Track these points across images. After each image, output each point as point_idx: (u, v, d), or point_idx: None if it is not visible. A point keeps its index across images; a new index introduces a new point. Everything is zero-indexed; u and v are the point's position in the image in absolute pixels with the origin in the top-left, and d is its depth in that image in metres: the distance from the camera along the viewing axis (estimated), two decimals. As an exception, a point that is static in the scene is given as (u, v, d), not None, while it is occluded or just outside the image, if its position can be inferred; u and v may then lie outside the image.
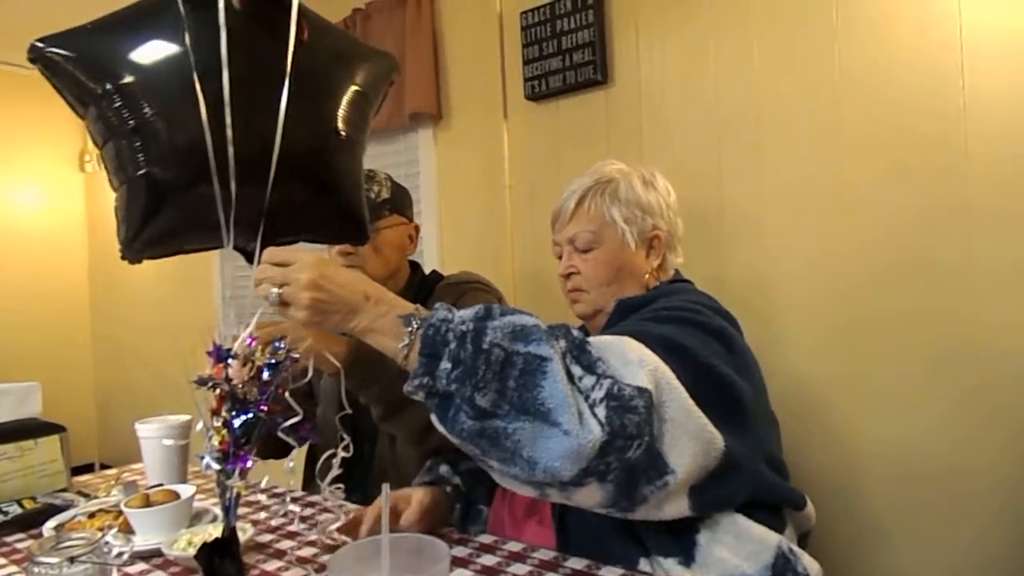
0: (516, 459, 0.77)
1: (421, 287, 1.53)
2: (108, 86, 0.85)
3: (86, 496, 1.36)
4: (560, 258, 1.28)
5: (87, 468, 3.87)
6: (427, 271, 1.65)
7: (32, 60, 0.89)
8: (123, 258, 0.89)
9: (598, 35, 1.93)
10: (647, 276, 1.23)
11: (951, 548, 1.45)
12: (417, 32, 2.33)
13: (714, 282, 1.28)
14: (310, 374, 0.85)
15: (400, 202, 1.53)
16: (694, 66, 1.79)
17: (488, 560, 1.01)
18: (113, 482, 1.47)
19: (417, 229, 1.59)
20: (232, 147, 0.79)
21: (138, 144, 0.84)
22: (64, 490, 1.37)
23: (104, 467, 4.18)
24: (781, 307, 1.65)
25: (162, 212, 0.84)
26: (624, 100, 1.92)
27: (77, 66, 0.87)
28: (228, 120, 0.78)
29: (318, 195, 0.93)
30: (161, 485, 1.25)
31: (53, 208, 4.29)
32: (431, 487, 1.18)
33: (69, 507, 1.27)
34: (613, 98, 1.95)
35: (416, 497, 1.13)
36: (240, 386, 0.76)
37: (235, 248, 0.86)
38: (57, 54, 0.88)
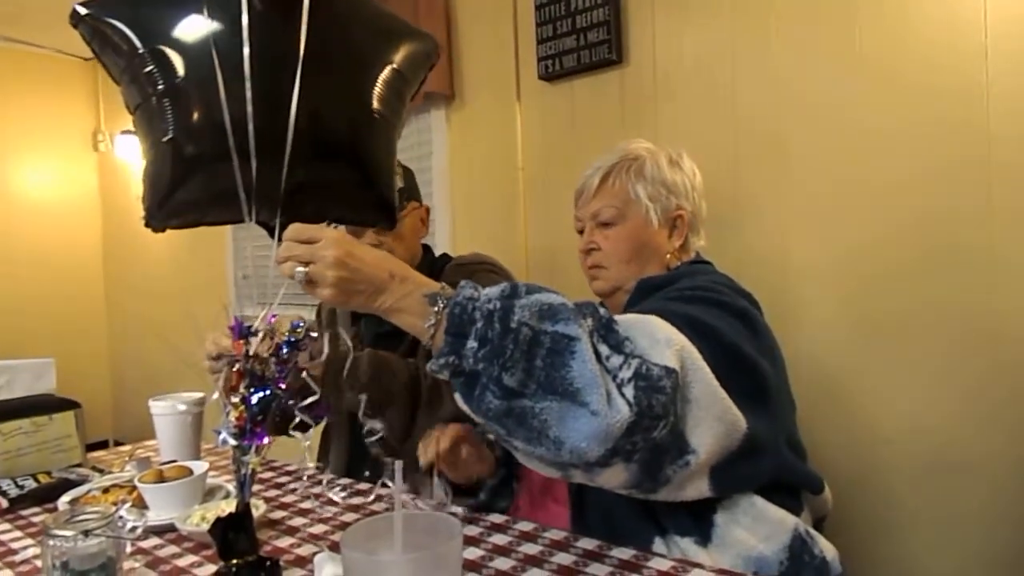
0: (542, 439, 0.76)
1: (431, 269, 1.53)
2: (142, 49, 0.85)
3: (100, 471, 1.37)
4: (582, 233, 1.27)
5: (101, 444, 3.91)
6: (439, 253, 1.65)
7: (73, 24, 0.90)
8: (147, 225, 0.88)
9: (613, 14, 1.91)
10: (668, 256, 1.22)
11: (964, 536, 1.44)
12: (430, 11, 2.31)
13: (729, 265, 1.27)
14: (325, 352, 0.84)
15: (414, 188, 1.55)
16: (711, 47, 1.76)
17: (499, 539, 1.01)
18: (127, 458, 1.49)
19: (427, 211, 1.59)
20: (252, 121, 0.78)
21: (168, 110, 0.83)
22: (79, 465, 1.39)
23: (118, 444, 4.22)
24: (797, 291, 1.64)
25: (188, 182, 0.84)
26: (639, 81, 1.90)
27: (114, 30, 0.88)
28: (248, 95, 0.77)
29: (349, 175, 0.91)
30: (175, 461, 1.26)
31: (68, 187, 4.31)
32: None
33: (83, 482, 1.28)
34: (628, 78, 1.93)
35: (451, 427, 1.14)
36: (259, 363, 0.76)
37: (258, 223, 0.86)
38: (96, 18, 0.89)
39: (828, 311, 1.61)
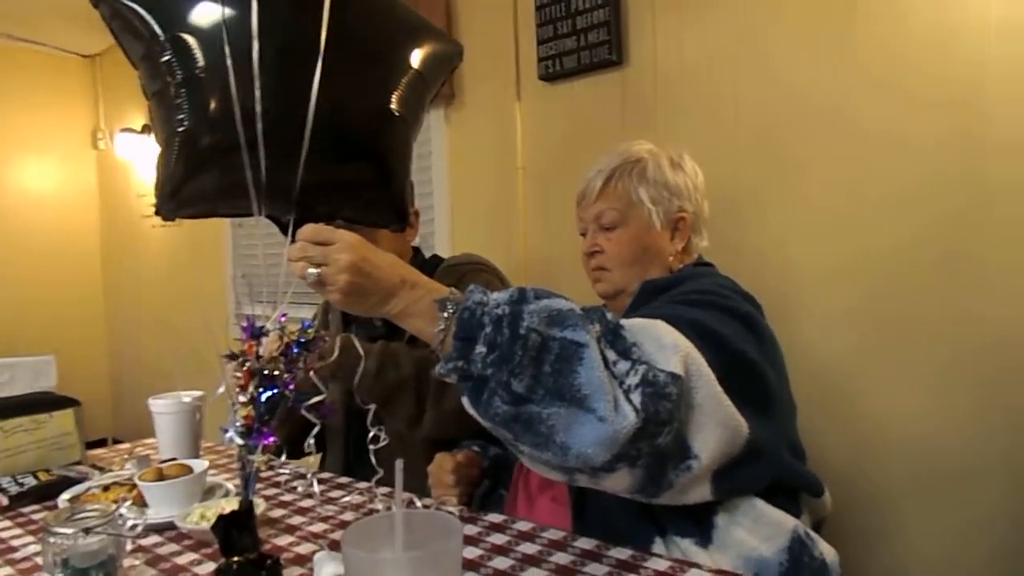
0: (549, 444, 0.77)
1: (421, 269, 1.53)
2: (162, 36, 0.84)
3: (100, 469, 1.37)
4: (584, 235, 1.28)
5: (100, 443, 3.90)
6: (436, 253, 1.65)
7: (94, 3, 0.90)
8: (157, 214, 0.88)
9: (614, 15, 1.91)
10: (671, 258, 1.22)
11: (963, 542, 1.45)
12: (431, 10, 2.31)
13: (729, 266, 1.27)
14: (335, 354, 0.85)
15: None
16: (712, 49, 1.76)
17: (497, 539, 1.01)
18: (126, 456, 1.49)
19: (417, 214, 1.58)
20: (260, 114, 0.78)
21: (184, 100, 0.82)
22: (78, 463, 1.39)
23: (117, 442, 4.21)
24: (797, 293, 1.64)
25: (201, 173, 0.83)
26: (640, 82, 1.90)
27: (134, 13, 0.87)
28: (257, 89, 0.77)
29: (365, 175, 0.90)
30: (174, 459, 1.26)
31: (67, 184, 4.32)
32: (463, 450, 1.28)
33: (83, 480, 1.28)
34: (628, 79, 1.93)
35: (451, 456, 1.24)
36: (268, 362, 0.76)
37: (269, 217, 0.85)
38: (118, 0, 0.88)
39: (828, 314, 1.61)
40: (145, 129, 3.83)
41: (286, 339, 0.80)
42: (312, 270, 0.79)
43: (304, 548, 1.01)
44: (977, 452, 1.43)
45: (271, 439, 0.78)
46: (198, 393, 1.42)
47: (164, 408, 1.38)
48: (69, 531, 0.82)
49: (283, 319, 0.80)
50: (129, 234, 4.16)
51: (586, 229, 1.28)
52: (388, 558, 0.62)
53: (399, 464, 0.62)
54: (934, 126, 1.45)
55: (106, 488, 1.19)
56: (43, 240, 4.19)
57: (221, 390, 0.79)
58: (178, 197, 0.86)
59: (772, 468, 0.99)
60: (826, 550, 1.00)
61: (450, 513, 1.09)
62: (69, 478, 1.29)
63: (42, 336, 3.95)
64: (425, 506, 1.16)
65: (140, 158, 3.94)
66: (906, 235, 1.50)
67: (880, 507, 1.54)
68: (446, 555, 0.62)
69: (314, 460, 1.56)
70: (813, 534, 1.00)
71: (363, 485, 1.28)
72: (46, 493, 1.23)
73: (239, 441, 0.76)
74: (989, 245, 1.40)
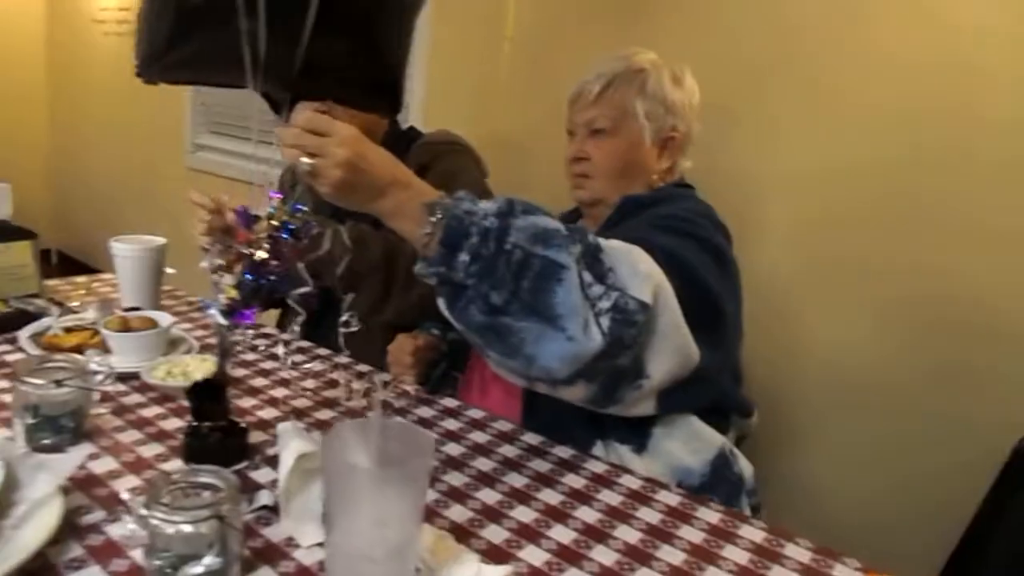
0: (517, 354, 0.81)
1: (397, 143, 1.49)
2: None
3: (59, 304, 1.37)
4: (571, 136, 1.27)
5: (43, 255, 3.84)
6: (412, 126, 1.61)
7: None
8: (138, 76, 0.83)
9: None
10: (655, 176, 1.23)
11: (870, 457, 1.59)
12: None
13: (699, 179, 1.29)
14: (326, 247, 0.84)
15: None
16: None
17: (451, 424, 1.08)
18: (84, 292, 1.49)
19: None
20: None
21: None
22: (36, 296, 1.38)
23: (62, 256, 4.14)
24: (759, 211, 1.68)
25: (190, 39, 0.77)
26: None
27: None
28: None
29: (362, 53, 0.85)
30: (138, 309, 1.27)
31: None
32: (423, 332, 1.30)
33: (42, 315, 1.28)
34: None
35: (411, 337, 1.27)
36: (254, 243, 0.76)
37: (262, 95, 0.82)
38: None
39: (782, 233, 1.66)
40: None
41: (274, 221, 0.79)
42: (306, 160, 0.78)
43: (266, 412, 1.05)
44: (899, 390, 1.54)
45: (251, 319, 0.80)
46: (161, 240, 1.40)
47: (127, 252, 1.36)
48: (40, 382, 0.85)
49: (273, 198, 0.79)
50: (76, 44, 3.89)
51: (574, 132, 1.26)
52: (363, 468, 0.64)
53: (380, 378, 0.65)
54: (929, 55, 1.44)
55: (68, 330, 1.20)
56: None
57: (205, 265, 0.79)
58: (163, 61, 0.80)
59: (713, 391, 1.07)
60: (745, 466, 1.10)
61: (406, 391, 1.15)
62: (27, 312, 1.28)
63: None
64: (383, 382, 1.21)
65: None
66: (870, 171, 1.53)
67: (798, 427, 1.68)
68: (418, 471, 0.65)
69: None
70: (736, 451, 1.10)
71: (323, 352, 1.32)
72: (5, 325, 1.23)
73: (221, 320, 0.78)
74: (949, 187, 1.44)
